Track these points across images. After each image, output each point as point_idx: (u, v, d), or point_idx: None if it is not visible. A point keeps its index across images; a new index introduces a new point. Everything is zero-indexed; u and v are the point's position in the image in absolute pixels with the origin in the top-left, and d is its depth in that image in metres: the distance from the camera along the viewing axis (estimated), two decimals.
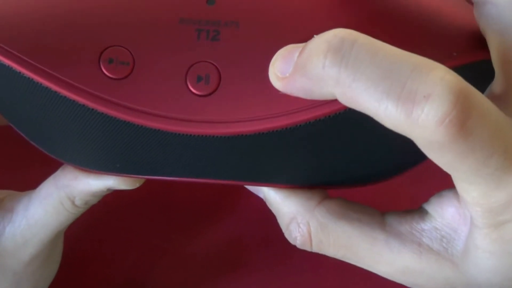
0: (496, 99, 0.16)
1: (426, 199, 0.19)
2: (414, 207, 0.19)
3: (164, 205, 0.27)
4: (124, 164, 0.19)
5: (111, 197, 0.21)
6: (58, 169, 0.20)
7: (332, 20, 0.17)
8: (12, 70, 0.17)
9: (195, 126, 0.17)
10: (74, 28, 0.17)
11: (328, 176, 0.19)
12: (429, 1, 0.18)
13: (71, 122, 0.18)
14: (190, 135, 0.17)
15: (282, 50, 0.17)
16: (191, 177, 0.19)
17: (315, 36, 0.16)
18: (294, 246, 0.19)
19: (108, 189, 0.20)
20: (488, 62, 0.17)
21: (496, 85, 0.17)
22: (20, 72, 0.17)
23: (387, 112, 0.14)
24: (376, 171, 0.19)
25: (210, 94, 0.17)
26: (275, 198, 0.19)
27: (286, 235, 0.19)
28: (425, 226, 0.18)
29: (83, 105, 0.17)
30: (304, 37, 0.16)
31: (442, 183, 0.18)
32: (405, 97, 0.14)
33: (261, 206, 0.20)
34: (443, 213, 0.18)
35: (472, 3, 0.18)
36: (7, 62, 0.17)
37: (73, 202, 0.20)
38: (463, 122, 0.14)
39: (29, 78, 0.17)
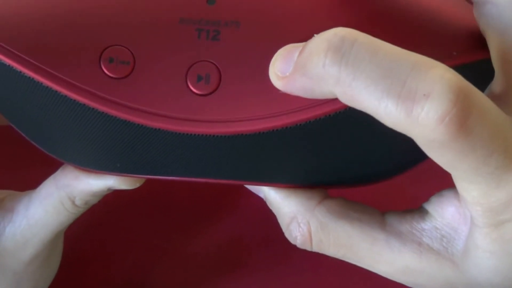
0: (496, 99, 0.16)
1: (426, 199, 0.19)
2: (414, 207, 0.19)
3: (164, 205, 0.27)
4: (125, 163, 0.19)
5: (111, 197, 0.21)
6: (58, 169, 0.20)
7: (332, 20, 0.17)
8: (12, 69, 0.17)
9: (195, 126, 0.17)
10: (75, 27, 0.17)
11: (328, 175, 0.19)
12: (429, 1, 0.18)
13: (72, 121, 0.18)
14: (190, 134, 0.17)
15: (282, 49, 0.17)
16: (191, 176, 0.19)
17: (315, 35, 0.16)
18: (295, 246, 0.19)
19: (109, 189, 0.20)
20: (488, 61, 0.17)
21: (496, 84, 0.17)
22: (20, 72, 0.17)
23: (387, 111, 0.14)
24: (376, 171, 0.19)
25: (210, 93, 0.17)
26: (275, 197, 0.19)
27: (287, 235, 0.19)
28: (425, 225, 0.18)
29: (84, 105, 0.17)
30: (304, 37, 0.16)
31: (442, 183, 0.18)
32: (405, 95, 0.14)
33: (261, 206, 0.20)
34: (443, 213, 0.18)
35: (472, 3, 0.18)
36: (7, 61, 0.17)
37: (73, 202, 0.20)
38: (463, 121, 0.14)
39: (29, 77, 0.17)
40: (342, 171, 0.19)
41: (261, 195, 0.20)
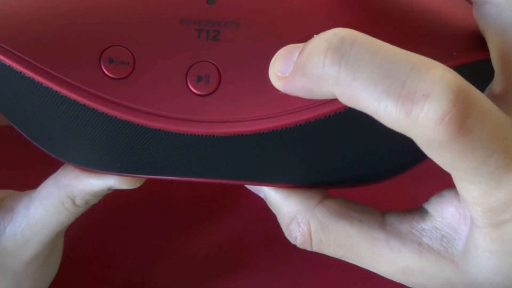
0: (495, 99, 0.16)
1: (426, 199, 0.19)
2: (414, 207, 0.19)
3: (164, 205, 0.27)
4: (125, 163, 0.19)
5: (111, 197, 0.21)
6: (58, 168, 0.20)
7: (332, 20, 0.17)
8: (12, 69, 0.17)
9: (195, 126, 0.17)
10: (75, 28, 0.17)
11: (328, 175, 0.19)
12: (429, 1, 0.18)
13: (72, 122, 0.18)
14: (190, 134, 0.17)
15: (282, 50, 0.17)
16: (192, 176, 0.19)
17: (315, 36, 0.16)
18: (294, 246, 0.19)
19: (109, 189, 0.20)
20: (488, 61, 0.17)
21: (496, 84, 0.17)
22: (20, 72, 0.17)
23: (387, 111, 0.14)
24: (376, 171, 0.19)
25: (210, 94, 0.17)
26: (275, 197, 0.19)
27: (287, 235, 0.19)
28: (425, 225, 0.18)
29: (84, 105, 0.17)
30: (304, 37, 0.16)
31: (442, 183, 0.18)
32: (404, 96, 0.14)
33: (261, 205, 0.20)
34: (443, 213, 0.18)
35: (471, 3, 0.18)
36: (7, 61, 0.17)
37: (73, 202, 0.20)
38: (462, 121, 0.14)
39: (29, 77, 0.17)
40: (342, 171, 0.19)
41: (261, 195, 0.20)
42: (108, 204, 0.24)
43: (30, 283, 0.22)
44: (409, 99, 0.14)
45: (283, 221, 0.19)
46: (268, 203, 0.20)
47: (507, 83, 0.17)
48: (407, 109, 0.14)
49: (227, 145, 0.18)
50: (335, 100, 0.16)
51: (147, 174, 0.19)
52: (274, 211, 0.19)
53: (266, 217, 0.20)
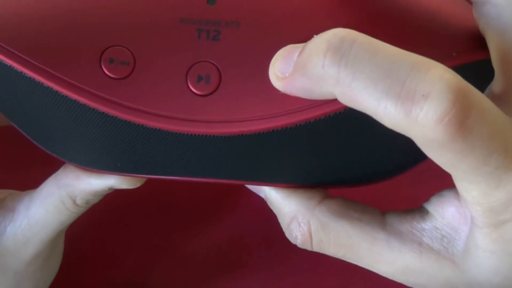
0: (495, 99, 0.16)
1: (426, 199, 0.19)
2: (414, 207, 0.19)
3: (164, 204, 0.27)
4: (125, 163, 0.19)
5: (112, 197, 0.21)
6: (59, 168, 0.20)
7: (332, 20, 0.17)
8: (13, 69, 0.17)
9: (195, 126, 0.17)
10: (75, 28, 0.17)
11: (328, 175, 0.19)
12: (429, 1, 0.18)
13: (72, 121, 0.18)
14: (191, 134, 0.17)
15: (282, 50, 0.17)
16: (192, 176, 0.19)
17: (315, 36, 0.16)
18: (295, 246, 0.19)
19: (110, 189, 0.20)
20: (488, 62, 0.17)
21: (496, 84, 0.17)
22: (21, 72, 0.17)
23: (387, 111, 0.14)
24: (376, 171, 0.19)
25: (210, 93, 0.17)
26: (275, 197, 0.19)
27: (287, 234, 0.19)
28: (426, 225, 0.18)
29: (84, 105, 0.17)
30: (304, 37, 0.16)
31: (442, 183, 0.18)
32: (404, 96, 0.14)
33: (262, 205, 0.20)
34: (443, 213, 0.18)
35: (471, 3, 0.18)
36: (8, 61, 0.17)
37: (74, 202, 0.20)
38: (462, 121, 0.14)
39: (30, 77, 0.17)
40: (342, 171, 0.19)
41: (262, 195, 0.20)
42: (108, 204, 0.24)
43: (30, 283, 0.22)
44: (409, 99, 0.14)
45: (283, 220, 0.19)
46: (268, 203, 0.20)
47: (507, 83, 0.17)
48: (406, 109, 0.14)
49: (227, 145, 0.18)
50: (335, 100, 0.16)
51: (148, 174, 0.19)
52: (274, 211, 0.19)
53: (266, 217, 0.20)
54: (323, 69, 0.15)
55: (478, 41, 0.18)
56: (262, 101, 0.17)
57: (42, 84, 0.17)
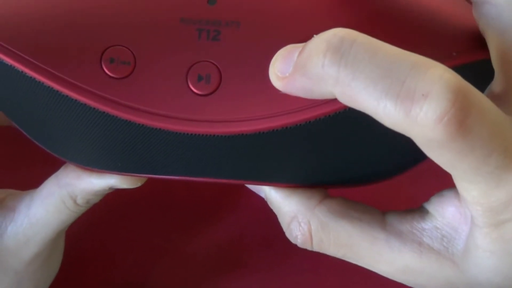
0: (495, 99, 0.16)
1: (426, 199, 0.19)
2: (414, 207, 0.19)
3: (164, 204, 0.27)
4: (126, 163, 0.19)
5: (112, 197, 0.21)
6: (59, 168, 0.20)
7: (332, 20, 0.17)
8: (14, 69, 0.17)
9: (195, 126, 0.17)
10: (76, 27, 0.17)
11: (328, 175, 0.19)
12: (429, 1, 0.18)
13: (73, 121, 0.18)
14: (191, 134, 0.17)
15: (282, 50, 0.17)
16: (192, 176, 0.19)
17: (314, 36, 0.16)
18: (295, 246, 0.19)
19: (110, 188, 0.20)
20: (488, 61, 0.17)
21: (496, 84, 0.17)
22: (22, 72, 0.17)
23: (386, 111, 0.14)
24: (376, 171, 0.19)
25: (210, 93, 0.17)
26: (276, 197, 0.19)
27: (287, 234, 0.19)
28: (426, 225, 0.18)
29: (85, 105, 0.17)
30: (304, 37, 0.16)
31: (442, 183, 0.18)
32: (403, 95, 0.14)
33: (262, 205, 0.20)
34: (443, 213, 0.18)
35: (471, 3, 0.18)
36: (9, 61, 0.17)
37: (75, 201, 0.20)
38: (462, 121, 0.14)
39: (31, 77, 0.17)
40: (342, 171, 0.19)
41: (262, 194, 0.20)
42: (108, 204, 0.24)
43: (31, 283, 0.22)
44: (408, 98, 0.14)
45: (283, 220, 0.19)
46: (268, 203, 0.20)
47: (507, 83, 0.17)
48: (406, 109, 0.14)
49: (227, 145, 0.18)
50: (335, 100, 0.16)
51: (148, 174, 0.19)
52: (274, 210, 0.20)
53: (267, 217, 0.21)
54: (323, 69, 0.15)
55: (478, 41, 0.18)
56: (262, 101, 0.17)
57: (43, 83, 0.17)
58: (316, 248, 0.19)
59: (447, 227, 0.18)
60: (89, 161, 0.19)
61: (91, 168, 0.19)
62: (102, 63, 0.17)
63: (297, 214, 0.19)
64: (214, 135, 0.17)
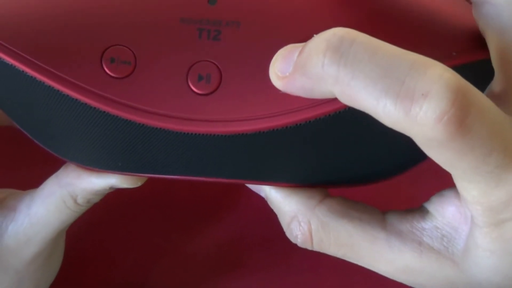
0: (495, 98, 0.16)
1: (426, 199, 0.19)
2: (414, 207, 0.19)
3: (164, 204, 0.27)
4: (126, 162, 0.19)
5: (112, 197, 0.21)
6: (60, 168, 0.20)
7: (332, 20, 0.17)
8: (14, 68, 0.17)
9: (196, 125, 0.17)
10: (76, 27, 0.17)
11: (328, 175, 0.19)
12: (429, 1, 0.18)
13: (73, 120, 0.18)
14: (191, 133, 0.17)
15: (282, 50, 0.17)
16: (192, 175, 0.19)
17: (314, 35, 0.16)
18: (295, 246, 0.19)
19: (111, 188, 0.20)
20: (488, 61, 0.17)
21: (496, 84, 0.17)
22: (22, 71, 0.17)
23: (386, 110, 0.14)
24: (376, 171, 0.19)
25: (211, 93, 0.17)
26: (276, 196, 0.19)
27: (287, 234, 0.19)
28: (426, 225, 0.18)
29: (85, 104, 0.17)
30: (304, 37, 0.16)
31: (442, 183, 0.18)
32: (403, 95, 0.14)
33: (262, 205, 0.20)
34: (443, 212, 0.18)
35: (471, 3, 0.18)
36: (9, 60, 0.17)
37: (75, 201, 0.20)
38: (461, 120, 0.14)
39: (31, 76, 0.17)
40: (342, 171, 0.19)
41: (262, 194, 0.20)
42: (108, 204, 0.24)
43: (31, 282, 0.22)
44: (408, 98, 0.14)
45: (284, 220, 0.19)
46: (269, 202, 0.20)
47: (506, 82, 0.17)
48: (406, 108, 0.14)
49: (227, 144, 0.18)
50: (335, 100, 0.16)
51: (148, 173, 0.19)
52: (275, 210, 0.20)
53: (267, 217, 0.21)
54: (322, 69, 0.15)
55: (478, 41, 0.18)
56: (262, 100, 0.17)
57: (43, 83, 0.17)
58: (316, 247, 0.19)
59: (447, 226, 0.18)
60: (90, 160, 0.19)
61: (92, 167, 0.19)
62: (103, 62, 0.17)
63: (297, 214, 0.19)
64: (214, 135, 0.17)
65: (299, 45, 0.16)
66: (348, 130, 0.18)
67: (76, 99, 0.17)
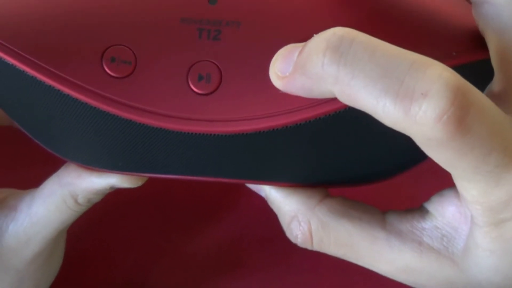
0: (495, 98, 0.16)
1: (426, 199, 0.19)
2: (414, 207, 0.19)
3: (164, 204, 0.27)
4: (126, 162, 0.19)
5: (112, 197, 0.21)
6: (60, 167, 0.21)
7: (332, 20, 0.18)
8: (15, 68, 0.18)
9: (196, 125, 0.17)
10: (77, 27, 0.17)
11: (328, 175, 0.19)
12: (429, 1, 0.18)
13: (74, 120, 0.18)
14: (191, 133, 0.17)
15: (282, 49, 0.17)
16: (193, 175, 0.19)
17: (314, 35, 0.16)
18: (295, 245, 0.19)
19: (111, 187, 0.20)
20: (488, 61, 0.17)
21: (495, 84, 0.17)
22: (23, 71, 0.17)
23: (386, 110, 0.15)
24: (376, 170, 0.19)
25: (211, 93, 0.17)
26: (276, 196, 0.19)
27: (287, 234, 0.19)
28: (426, 225, 0.18)
29: (86, 104, 0.17)
30: (304, 37, 0.16)
31: (442, 183, 0.18)
32: (403, 94, 0.14)
33: (262, 205, 0.20)
34: (443, 212, 0.18)
35: (471, 3, 0.18)
36: (10, 60, 0.17)
37: (76, 200, 0.20)
38: (461, 119, 0.14)
39: (32, 76, 0.17)
40: (342, 171, 0.19)
41: (262, 194, 0.20)
42: (108, 204, 0.24)
43: (32, 282, 0.22)
44: (408, 97, 0.14)
45: (284, 219, 0.19)
46: (269, 202, 0.20)
47: (506, 82, 0.17)
48: (405, 108, 0.14)
49: (227, 144, 0.18)
50: (335, 99, 0.16)
51: (149, 173, 0.19)
52: (275, 210, 0.20)
53: (267, 216, 0.21)
54: (322, 68, 0.15)
55: (478, 41, 0.18)
56: (262, 100, 0.17)
57: (44, 83, 0.17)
58: (316, 247, 0.19)
59: (447, 226, 0.18)
60: (90, 160, 0.19)
61: (92, 167, 0.19)
62: (103, 62, 0.17)
63: (297, 214, 0.19)
64: (214, 134, 0.17)
65: (299, 45, 0.16)
66: (348, 130, 0.18)
67: (77, 99, 0.17)
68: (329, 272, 0.26)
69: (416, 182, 0.25)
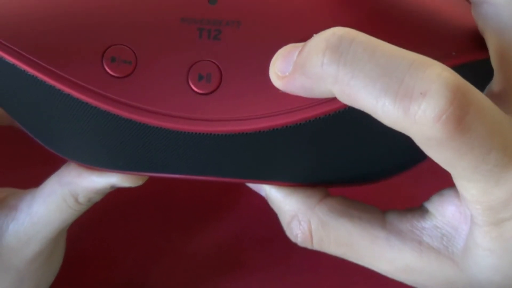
0: (495, 98, 0.16)
1: (426, 198, 0.19)
2: (414, 206, 0.19)
3: (164, 204, 0.27)
4: (127, 161, 0.19)
5: (112, 196, 0.21)
6: (60, 167, 0.21)
7: (332, 20, 0.18)
8: (15, 67, 0.18)
9: (196, 124, 0.17)
10: (77, 26, 0.18)
11: (328, 174, 0.19)
12: (429, 1, 0.18)
13: (74, 119, 0.18)
14: (192, 133, 0.17)
15: (282, 49, 0.17)
16: (193, 174, 0.19)
17: (314, 35, 0.16)
18: (295, 245, 0.19)
19: (112, 187, 0.20)
20: (488, 61, 0.17)
21: (495, 84, 0.17)
22: (24, 70, 0.17)
23: (385, 109, 0.15)
24: (376, 170, 0.19)
25: (211, 92, 0.17)
26: (276, 196, 0.19)
27: (287, 233, 0.19)
28: (426, 224, 0.18)
29: (86, 103, 0.17)
30: (304, 37, 0.16)
31: (442, 183, 0.18)
32: (402, 94, 0.14)
33: (262, 205, 0.20)
34: (443, 212, 0.18)
35: (471, 3, 0.18)
36: (10, 59, 0.17)
37: (76, 200, 0.20)
38: (460, 119, 0.14)
39: (32, 75, 0.17)
40: (342, 170, 0.19)
41: (262, 193, 0.20)
42: (108, 204, 0.24)
43: (32, 281, 0.22)
44: (407, 97, 0.14)
45: (284, 219, 0.19)
46: (269, 202, 0.20)
47: (506, 82, 0.17)
48: (405, 107, 0.14)
49: (228, 144, 0.18)
50: (335, 99, 0.16)
51: (149, 172, 0.19)
52: (275, 209, 0.20)
53: (267, 216, 0.21)
54: (322, 68, 0.15)
55: (477, 40, 0.18)
56: (262, 100, 0.17)
57: (45, 82, 0.17)
58: (316, 247, 0.19)
59: (447, 226, 0.18)
60: (91, 159, 0.19)
61: (93, 166, 0.19)
62: (104, 62, 0.17)
63: (297, 213, 0.19)
64: (214, 134, 0.17)
65: (299, 45, 0.16)
66: (348, 129, 0.18)
67: (77, 98, 0.17)
68: (329, 272, 0.26)
69: (416, 182, 0.25)
